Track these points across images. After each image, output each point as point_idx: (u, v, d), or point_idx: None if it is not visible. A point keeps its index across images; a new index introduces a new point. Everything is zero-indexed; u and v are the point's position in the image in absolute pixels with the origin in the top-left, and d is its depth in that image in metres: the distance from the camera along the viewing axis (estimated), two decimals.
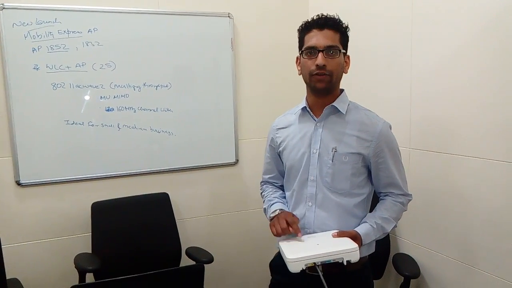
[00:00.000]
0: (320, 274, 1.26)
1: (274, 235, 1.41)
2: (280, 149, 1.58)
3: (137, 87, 2.34)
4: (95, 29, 2.23)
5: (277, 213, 1.49)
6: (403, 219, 2.13)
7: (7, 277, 1.33)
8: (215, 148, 2.57)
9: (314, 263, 1.26)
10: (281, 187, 1.66)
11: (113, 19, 2.27)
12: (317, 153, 1.44)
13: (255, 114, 2.66)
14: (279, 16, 2.64)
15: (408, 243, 2.14)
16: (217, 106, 2.55)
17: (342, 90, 1.50)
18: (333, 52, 1.36)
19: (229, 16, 2.51)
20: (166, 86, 2.40)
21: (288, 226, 1.37)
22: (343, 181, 1.43)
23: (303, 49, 1.41)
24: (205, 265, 2.21)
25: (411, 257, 2.10)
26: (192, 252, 2.32)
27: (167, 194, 2.41)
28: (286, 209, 1.54)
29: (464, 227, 1.83)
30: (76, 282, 2.00)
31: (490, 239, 1.71)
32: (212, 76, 2.51)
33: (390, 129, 1.50)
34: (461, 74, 1.78)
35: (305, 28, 1.41)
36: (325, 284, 1.25)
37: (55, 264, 2.26)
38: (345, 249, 1.28)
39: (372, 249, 1.53)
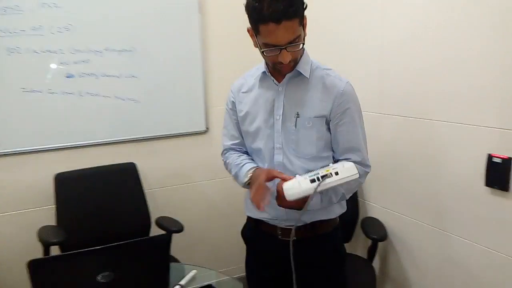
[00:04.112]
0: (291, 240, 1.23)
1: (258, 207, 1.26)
2: (241, 115, 1.47)
3: (98, 52, 2.22)
4: None
5: (251, 174, 1.37)
6: (372, 183, 2.16)
7: None
8: (183, 116, 2.50)
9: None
10: (247, 153, 1.54)
11: None
12: (280, 119, 1.37)
13: (226, 80, 2.53)
14: None
15: (377, 207, 2.17)
16: (185, 72, 2.46)
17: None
18: (296, 42, 1.23)
19: None
20: (130, 51, 2.29)
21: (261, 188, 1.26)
22: (309, 146, 1.37)
23: (260, 43, 1.25)
24: (176, 234, 2.22)
25: (379, 221, 2.13)
26: (162, 222, 2.28)
27: (134, 164, 2.35)
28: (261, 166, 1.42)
29: (432, 191, 1.85)
30: (41, 256, 1.94)
31: (458, 202, 1.74)
32: (179, 40, 2.41)
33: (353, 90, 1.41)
34: (429, 40, 1.76)
35: (259, 19, 1.18)
36: (291, 251, 1.23)
37: (18, 237, 2.18)
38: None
39: (344, 208, 1.49)
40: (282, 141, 1.38)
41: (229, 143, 1.55)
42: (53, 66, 2.14)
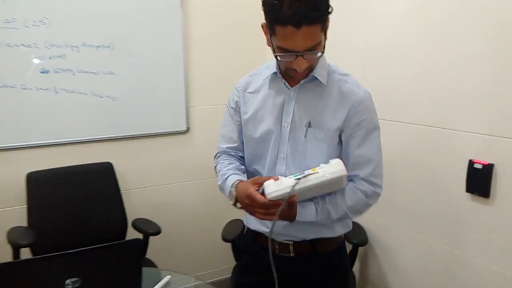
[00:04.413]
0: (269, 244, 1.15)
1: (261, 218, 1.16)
2: (245, 117, 1.33)
3: (75, 47, 2.14)
4: None
5: (234, 188, 1.23)
6: None
7: None
8: (163, 115, 2.43)
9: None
10: (242, 159, 1.40)
11: None
12: (289, 127, 1.24)
13: (208, 78, 2.53)
14: None
15: None
16: (166, 70, 2.39)
17: None
18: (314, 49, 1.10)
19: None
20: (108, 46, 2.21)
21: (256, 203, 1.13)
22: (317, 159, 1.20)
23: (274, 45, 1.12)
24: (153, 236, 2.17)
25: (359, 225, 2.11)
26: (139, 224, 2.22)
27: (111, 164, 2.27)
28: (244, 179, 1.28)
29: (413, 196, 1.84)
30: (10, 259, 1.86)
31: (439, 208, 1.73)
32: (160, 36, 2.34)
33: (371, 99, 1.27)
34: (411, 45, 1.75)
35: (277, 19, 1.06)
36: (272, 263, 1.13)
37: None
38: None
39: (347, 227, 1.36)
40: (287, 151, 1.25)
41: (224, 145, 1.41)
42: (27, 60, 2.06)
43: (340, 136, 1.24)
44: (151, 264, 2.14)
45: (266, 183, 1.12)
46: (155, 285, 1.43)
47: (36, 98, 2.10)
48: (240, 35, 2.53)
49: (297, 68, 1.13)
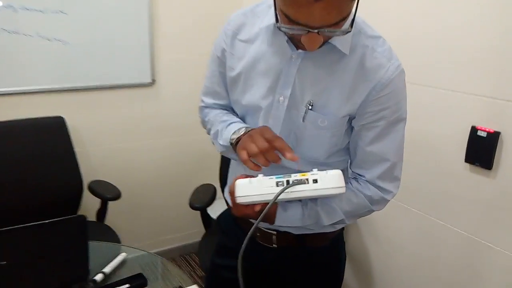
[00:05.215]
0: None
1: (244, 159, 0.85)
2: (232, 75, 1.01)
3: None
4: None
5: (242, 132, 0.93)
6: None
7: None
8: (125, 65, 2.12)
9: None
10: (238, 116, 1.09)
11: None
12: (285, 103, 0.94)
13: (178, 24, 2.22)
14: None
15: None
16: (128, 11, 2.05)
17: None
18: (337, 26, 0.76)
19: None
20: None
21: (271, 148, 0.84)
22: (316, 149, 0.97)
23: (278, 10, 0.79)
24: (113, 201, 1.94)
25: None
26: (96, 187, 1.99)
27: (63, 118, 1.98)
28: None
29: (405, 164, 1.66)
30: None
31: (433, 179, 1.56)
32: None
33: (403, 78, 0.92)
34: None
35: None
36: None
37: None
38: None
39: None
40: (280, 132, 0.95)
41: (211, 101, 1.11)
42: None
43: (350, 121, 0.94)
44: (110, 231, 1.94)
45: (238, 183, 0.85)
46: (106, 265, 1.22)
47: None
48: None
49: (307, 46, 0.80)
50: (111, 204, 1.98)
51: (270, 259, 1.11)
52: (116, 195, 1.93)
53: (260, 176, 0.85)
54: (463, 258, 1.50)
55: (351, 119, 0.94)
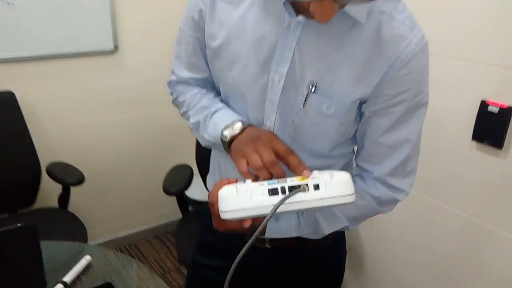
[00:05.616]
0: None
1: (243, 171, 0.70)
2: (214, 45, 0.81)
3: None
4: None
5: (238, 130, 0.76)
6: None
7: None
8: (82, 30, 1.86)
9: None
10: (219, 94, 0.90)
11: None
12: (281, 83, 0.75)
13: None
14: None
15: None
16: None
17: None
18: None
19: None
20: None
21: (278, 162, 0.69)
22: (319, 140, 0.80)
23: None
24: (75, 187, 1.74)
25: None
26: (56, 170, 1.77)
27: (13, 93, 1.73)
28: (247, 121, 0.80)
29: None
30: None
31: (429, 153, 1.42)
32: None
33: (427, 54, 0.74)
34: None
35: None
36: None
37: None
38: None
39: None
40: (275, 119, 0.78)
41: (185, 74, 0.90)
42: None
43: (360, 106, 0.77)
44: (74, 219, 1.74)
45: (222, 195, 0.66)
46: (70, 269, 1.03)
47: None
48: None
49: (319, 16, 0.62)
50: (74, 187, 1.77)
51: (262, 261, 0.96)
52: (79, 179, 1.73)
53: (248, 182, 0.67)
54: (465, 245, 1.39)
55: (362, 103, 0.76)
